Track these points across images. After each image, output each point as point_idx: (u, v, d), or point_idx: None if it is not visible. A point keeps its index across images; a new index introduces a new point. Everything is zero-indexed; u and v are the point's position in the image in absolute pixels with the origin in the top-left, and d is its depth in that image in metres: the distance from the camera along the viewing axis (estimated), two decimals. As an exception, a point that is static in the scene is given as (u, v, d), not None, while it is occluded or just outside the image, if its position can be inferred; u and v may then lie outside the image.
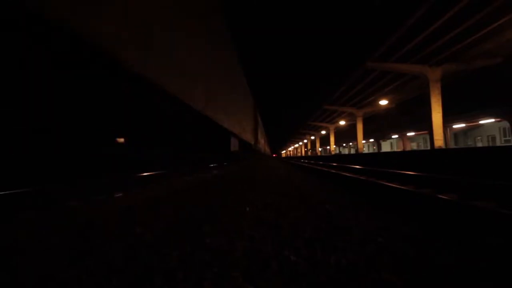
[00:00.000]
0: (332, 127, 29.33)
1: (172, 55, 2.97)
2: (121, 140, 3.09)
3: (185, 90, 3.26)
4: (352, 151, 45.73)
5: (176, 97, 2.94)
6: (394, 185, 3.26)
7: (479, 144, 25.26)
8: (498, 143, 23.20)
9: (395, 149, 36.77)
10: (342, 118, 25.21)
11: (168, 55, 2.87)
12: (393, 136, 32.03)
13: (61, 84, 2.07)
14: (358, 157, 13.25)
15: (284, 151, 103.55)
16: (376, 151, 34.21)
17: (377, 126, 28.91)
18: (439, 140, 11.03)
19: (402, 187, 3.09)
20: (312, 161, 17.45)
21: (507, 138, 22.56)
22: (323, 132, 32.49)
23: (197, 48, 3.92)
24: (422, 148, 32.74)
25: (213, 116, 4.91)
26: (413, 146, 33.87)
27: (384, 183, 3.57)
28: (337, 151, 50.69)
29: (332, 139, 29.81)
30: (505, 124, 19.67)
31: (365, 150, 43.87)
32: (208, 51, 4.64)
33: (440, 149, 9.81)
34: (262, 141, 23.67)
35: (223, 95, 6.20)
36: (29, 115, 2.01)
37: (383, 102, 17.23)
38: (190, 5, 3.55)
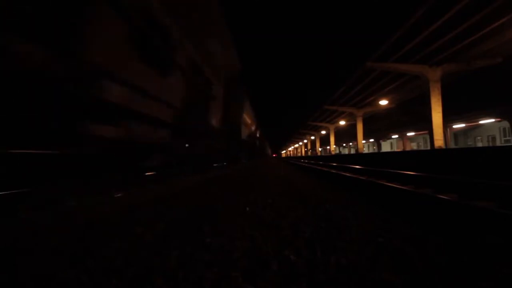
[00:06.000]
0: (332, 127, 29.30)
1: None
2: None
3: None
4: (352, 151, 45.72)
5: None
6: (394, 185, 3.26)
7: (479, 144, 25.24)
8: (498, 143, 23.19)
9: (395, 149, 36.75)
10: (342, 118, 25.19)
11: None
12: (393, 136, 32.01)
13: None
14: (358, 157, 13.25)
15: (284, 151, 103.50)
16: (376, 151, 34.20)
17: (377, 126, 28.88)
18: (439, 140, 11.02)
19: (402, 187, 3.09)
20: (312, 161, 17.44)
21: (507, 138, 22.55)
22: (323, 132, 32.47)
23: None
24: (422, 148, 32.73)
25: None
26: (413, 146, 33.84)
27: (384, 183, 3.57)
28: (337, 151, 50.68)
29: (332, 139, 29.78)
30: (505, 124, 19.65)
31: (365, 150, 43.83)
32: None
33: (440, 149, 9.81)
34: (261, 142, 23.68)
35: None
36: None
37: (383, 102, 17.21)
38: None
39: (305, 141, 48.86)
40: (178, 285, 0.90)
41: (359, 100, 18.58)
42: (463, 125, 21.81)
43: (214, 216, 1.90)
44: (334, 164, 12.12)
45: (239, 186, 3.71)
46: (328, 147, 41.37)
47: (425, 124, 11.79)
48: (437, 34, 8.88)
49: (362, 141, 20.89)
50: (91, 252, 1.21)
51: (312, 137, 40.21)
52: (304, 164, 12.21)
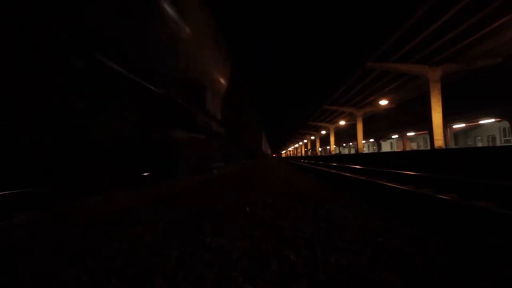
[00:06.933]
0: (332, 127, 29.31)
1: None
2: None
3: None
4: (352, 151, 45.72)
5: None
6: (394, 185, 3.26)
7: (479, 144, 25.25)
8: (498, 143, 23.20)
9: (395, 149, 36.77)
10: (342, 118, 25.20)
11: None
12: (393, 136, 32.04)
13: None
14: (358, 157, 13.25)
15: (284, 151, 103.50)
16: (376, 151, 34.20)
17: (377, 126, 28.88)
18: (439, 140, 11.02)
19: (402, 187, 3.09)
20: (312, 161, 17.44)
21: (507, 138, 22.55)
22: (323, 132, 32.47)
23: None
24: (422, 148, 32.73)
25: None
26: (413, 146, 33.85)
27: (384, 183, 3.57)
28: (337, 151, 50.69)
29: (332, 139, 29.78)
30: (505, 124, 19.66)
31: (365, 150, 43.81)
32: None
33: (440, 149, 9.81)
34: (262, 142, 23.70)
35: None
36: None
37: (383, 102, 17.22)
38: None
39: (305, 141, 48.86)
40: (178, 285, 0.90)
41: (359, 100, 18.58)
42: (463, 125, 21.83)
43: (214, 216, 1.90)
44: (334, 164, 12.12)
45: (239, 186, 3.71)
46: (328, 147, 41.35)
47: (425, 124, 11.80)
48: (437, 34, 8.88)
49: (362, 141, 20.89)
50: (91, 252, 1.21)
51: (312, 137, 40.22)
52: (304, 164, 12.21)
